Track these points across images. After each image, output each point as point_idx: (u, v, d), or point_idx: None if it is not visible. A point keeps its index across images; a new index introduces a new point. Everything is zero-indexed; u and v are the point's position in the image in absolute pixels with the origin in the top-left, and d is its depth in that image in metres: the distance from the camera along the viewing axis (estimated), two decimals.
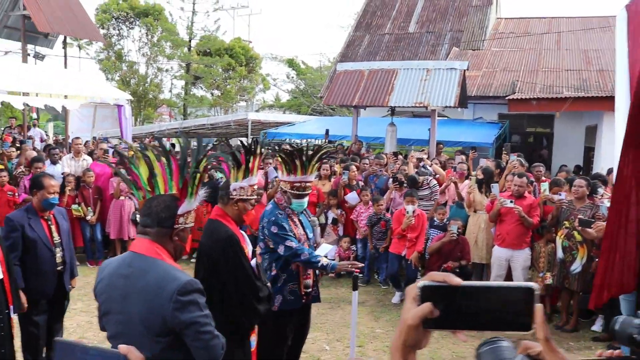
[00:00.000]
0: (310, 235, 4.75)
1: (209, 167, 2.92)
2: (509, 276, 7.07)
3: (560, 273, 6.60)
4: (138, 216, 8.82)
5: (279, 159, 4.54)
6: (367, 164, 9.46)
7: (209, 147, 3.92)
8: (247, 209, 3.81)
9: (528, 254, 6.94)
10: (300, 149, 4.51)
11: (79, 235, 9.05)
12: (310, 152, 4.46)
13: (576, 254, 6.43)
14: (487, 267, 7.52)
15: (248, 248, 3.94)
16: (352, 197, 8.79)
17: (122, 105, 13.90)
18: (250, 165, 3.75)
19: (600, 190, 6.77)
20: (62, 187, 8.91)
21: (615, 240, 4.81)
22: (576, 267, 6.40)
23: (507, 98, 13.58)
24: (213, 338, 2.43)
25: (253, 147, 3.82)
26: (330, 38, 77.20)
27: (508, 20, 22.47)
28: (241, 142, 4.11)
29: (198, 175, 2.62)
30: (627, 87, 4.72)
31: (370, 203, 8.43)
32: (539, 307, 0.97)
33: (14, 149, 10.84)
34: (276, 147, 4.65)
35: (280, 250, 4.33)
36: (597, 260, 6.24)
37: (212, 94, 30.42)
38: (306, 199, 4.59)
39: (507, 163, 8.58)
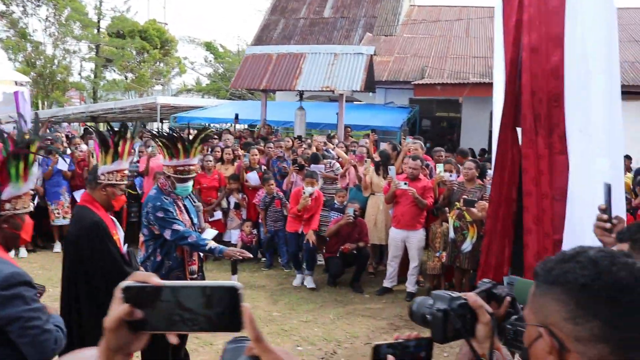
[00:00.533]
0: (195, 220, 4.66)
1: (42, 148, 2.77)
2: (405, 256, 7.24)
3: (452, 252, 6.81)
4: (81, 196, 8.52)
5: (160, 143, 4.40)
6: (271, 148, 9.39)
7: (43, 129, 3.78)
8: (116, 194, 3.67)
9: (422, 235, 7.12)
10: (180, 133, 4.41)
11: None
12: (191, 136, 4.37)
13: (467, 233, 6.65)
14: (386, 247, 7.66)
15: (119, 234, 3.81)
16: (252, 177, 8.73)
17: (17, 91, 13.18)
18: (119, 149, 3.61)
19: (490, 172, 7.02)
20: None
21: (494, 221, 5.02)
22: (467, 246, 6.62)
23: (412, 83, 13.86)
24: (42, 333, 2.30)
25: (123, 131, 3.69)
26: (248, 21, 76.26)
27: (420, 8, 22.90)
28: (110, 125, 3.94)
29: (29, 157, 2.45)
30: (502, 71, 4.89)
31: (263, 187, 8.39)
32: (245, 307, 0.96)
33: None
34: (156, 132, 4.50)
35: (167, 234, 4.21)
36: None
37: (126, 78, 29.40)
38: (190, 183, 4.49)
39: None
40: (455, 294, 1.50)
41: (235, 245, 8.74)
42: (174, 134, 4.35)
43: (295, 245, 7.70)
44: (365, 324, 6.24)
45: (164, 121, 19.52)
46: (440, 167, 7.28)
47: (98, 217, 3.56)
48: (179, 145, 4.29)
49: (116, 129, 3.77)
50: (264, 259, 8.66)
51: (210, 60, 34.14)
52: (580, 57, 3.89)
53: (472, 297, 1.48)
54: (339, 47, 13.13)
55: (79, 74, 28.38)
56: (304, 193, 7.30)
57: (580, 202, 3.78)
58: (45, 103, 24.76)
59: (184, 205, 4.53)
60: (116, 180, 3.62)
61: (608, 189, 2.63)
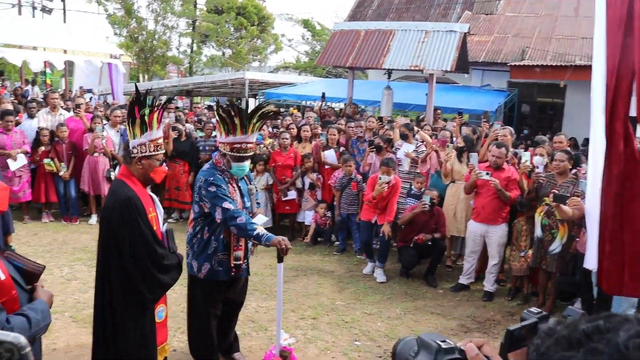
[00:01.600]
0: (248, 204, 4.38)
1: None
2: (485, 252, 6.66)
3: (537, 253, 6.12)
4: (112, 173, 8.69)
5: (217, 118, 4.14)
6: (351, 127, 8.99)
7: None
8: (153, 166, 3.44)
9: (504, 230, 6.48)
10: (240, 107, 4.10)
11: (52, 191, 8.83)
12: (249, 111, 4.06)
13: (556, 233, 5.95)
14: (464, 240, 7.10)
15: (158, 212, 3.60)
16: (330, 155, 8.39)
17: (111, 64, 13.63)
18: (147, 119, 3.37)
19: (584, 166, 6.24)
20: (37, 141, 8.68)
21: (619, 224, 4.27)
22: (555, 247, 5.93)
23: (509, 64, 12.92)
24: None
25: (147, 100, 3.44)
26: None
27: None
28: (136, 94, 3.67)
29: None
30: (604, 57, 4.21)
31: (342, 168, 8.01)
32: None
33: None
34: (216, 106, 4.23)
35: (217, 212, 3.96)
36: (577, 240, 5.79)
37: (223, 54, 29.90)
38: (247, 163, 4.21)
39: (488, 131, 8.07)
40: (449, 344, 1.08)
41: (308, 227, 8.52)
42: (233, 108, 4.06)
43: (368, 235, 7.28)
44: (434, 322, 5.77)
45: (256, 97, 19.64)
46: (525, 156, 6.55)
47: (133, 192, 3.36)
48: (237, 121, 4.01)
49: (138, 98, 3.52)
50: (337, 242, 8.34)
51: (308, 38, 34.08)
52: None
53: (472, 349, 1.04)
54: (430, 24, 12.39)
55: (177, 48, 29.21)
56: (380, 179, 6.85)
57: None
58: (145, 76, 25.66)
59: (239, 187, 4.27)
60: (150, 152, 3.39)
61: None
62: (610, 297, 4.98)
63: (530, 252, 6.30)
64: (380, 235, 7.00)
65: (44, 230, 8.41)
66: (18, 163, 8.26)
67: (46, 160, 8.61)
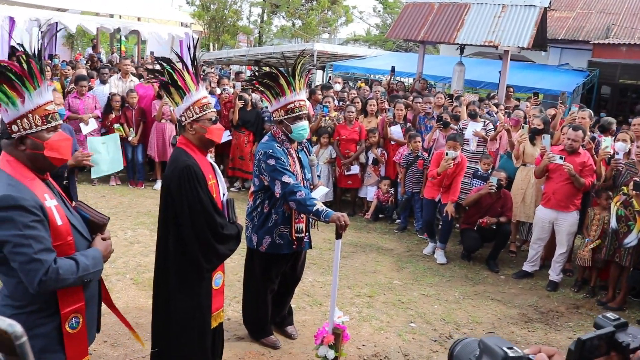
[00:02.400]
0: (308, 175, 4.30)
1: None
2: (552, 240, 6.35)
3: (611, 245, 5.76)
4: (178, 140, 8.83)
5: (261, 87, 4.07)
6: (419, 103, 8.72)
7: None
8: (205, 127, 3.34)
9: (576, 218, 6.14)
10: (278, 69, 4.04)
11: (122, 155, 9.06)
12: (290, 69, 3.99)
13: (633, 225, 5.55)
14: (531, 226, 6.79)
15: (218, 180, 3.55)
16: (396, 130, 8.19)
17: (182, 39, 13.83)
18: (180, 84, 3.29)
19: None
20: (108, 106, 8.90)
21: None
22: (631, 240, 5.54)
23: (592, 43, 12.20)
24: (30, 262, 2.16)
25: (170, 63, 3.37)
26: None
27: None
28: (157, 59, 3.59)
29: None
30: None
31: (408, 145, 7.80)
32: None
33: (69, 68, 10.93)
34: (255, 74, 4.18)
35: (277, 186, 3.91)
36: None
37: (293, 25, 29.79)
38: (305, 123, 4.12)
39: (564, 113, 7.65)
40: (516, 352, 0.94)
41: (370, 203, 8.40)
42: (272, 71, 3.98)
43: (431, 213, 7.08)
44: (493, 309, 5.56)
45: (324, 69, 19.47)
46: (606, 141, 6.15)
47: (193, 160, 3.31)
48: (282, 81, 3.93)
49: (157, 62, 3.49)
50: (398, 220, 8.18)
51: (379, 11, 33.46)
52: None
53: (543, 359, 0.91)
54: None
55: (247, 18, 29.26)
56: (446, 155, 6.61)
57: None
58: (216, 45, 25.90)
59: (299, 158, 4.19)
60: (196, 114, 3.31)
61: None
62: None
63: (597, 242, 5.97)
64: (444, 215, 6.79)
65: (111, 193, 8.65)
66: (90, 127, 8.50)
67: (116, 125, 8.82)
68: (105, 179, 9.10)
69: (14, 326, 0.79)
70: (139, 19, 16.70)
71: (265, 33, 28.63)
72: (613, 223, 5.69)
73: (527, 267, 6.49)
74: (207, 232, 3.31)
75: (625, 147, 6.14)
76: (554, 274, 6.21)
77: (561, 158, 5.89)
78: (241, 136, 9.15)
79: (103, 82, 9.53)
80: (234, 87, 9.99)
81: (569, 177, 5.93)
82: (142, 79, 9.79)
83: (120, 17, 16.74)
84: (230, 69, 17.56)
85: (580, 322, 5.43)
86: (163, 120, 8.86)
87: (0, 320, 0.78)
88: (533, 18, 10.71)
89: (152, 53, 16.24)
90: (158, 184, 9.05)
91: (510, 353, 0.94)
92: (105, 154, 7.03)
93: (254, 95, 8.90)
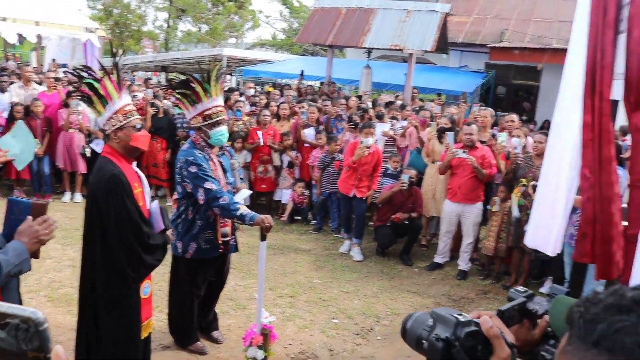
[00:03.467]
0: (231, 179, 4.36)
1: None
2: (459, 231, 6.74)
3: (515, 232, 6.21)
4: (87, 150, 8.57)
5: (177, 95, 4.10)
6: (327, 106, 8.96)
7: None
8: (130, 135, 3.32)
9: (480, 210, 6.57)
10: (193, 76, 4.10)
11: (25, 167, 8.65)
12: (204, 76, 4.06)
13: (530, 212, 6.04)
14: (440, 220, 7.16)
15: (144, 190, 3.54)
16: (309, 133, 8.37)
17: (86, 42, 13.35)
18: (102, 92, 3.28)
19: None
20: (10, 116, 8.47)
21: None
22: None
23: (488, 46, 12.97)
24: None
25: (90, 71, 3.36)
26: None
27: None
28: (77, 69, 3.55)
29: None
30: (585, 36, 4.21)
31: (325, 146, 8.00)
32: None
33: None
34: (170, 85, 4.23)
35: (200, 193, 3.95)
36: None
37: (199, 30, 29.42)
38: (224, 128, 4.17)
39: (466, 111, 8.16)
40: (465, 317, 1.08)
41: (285, 206, 8.52)
42: (189, 78, 4.04)
43: (347, 208, 7.29)
44: (410, 300, 5.84)
45: (232, 74, 19.39)
46: (502, 136, 6.62)
47: (118, 169, 3.28)
48: (198, 88, 3.98)
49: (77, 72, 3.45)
50: (314, 221, 8.36)
51: (286, 15, 33.72)
52: None
53: (487, 322, 1.06)
54: (411, 3, 12.35)
55: (153, 23, 28.65)
56: (361, 143, 6.82)
57: None
58: (120, 51, 25.09)
59: (220, 162, 4.24)
60: (120, 122, 3.29)
61: None
62: (582, 276, 5.08)
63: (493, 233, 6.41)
64: (362, 203, 7.02)
65: None
66: None
67: None
68: (8, 193, 8.66)
69: (36, 313, 0.85)
70: (37, 24, 15.90)
71: (171, 38, 28.06)
72: (515, 212, 6.14)
73: (438, 258, 6.85)
74: (133, 241, 3.30)
75: (520, 142, 6.62)
76: (463, 263, 6.61)
77: (464, 152, 6.28)
78: (154, 143, 8.98)
79: (2, 90, 9.07)
80: (144, 94, 9.82)
81: (472, 172, 6.33)
82: (46, 86, 9.40)
83: (14, 20, 15.87)
84: (135, 76, 17.10)
85: (489, 305, 5.81)
86: (71, 130, 8.55)
87: (22, 310, 0.84)
88: (435, 23, 11.27)
89: (53, 60, 15.54)
90: (67, 196, 8.74)
91: (461, 318, 1.07)
92: (20, 144, 6.79)
93: (165, 101, 8.80)
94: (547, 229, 4.36)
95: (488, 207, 6.72)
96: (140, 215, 3.33)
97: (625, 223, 3.73)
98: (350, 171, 6.98)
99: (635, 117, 3.62)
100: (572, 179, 4.17)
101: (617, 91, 3.79)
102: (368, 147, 6.78)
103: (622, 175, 5.12)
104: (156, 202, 3.58)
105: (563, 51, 11.31)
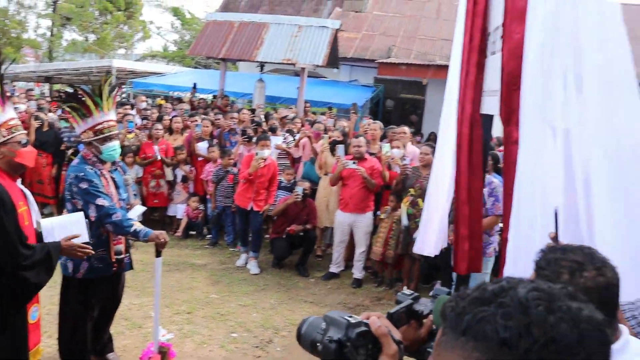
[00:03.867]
0: (124, 195, 4.26)
1: None
2: (352, 241, 6.95)
3: (404, 240, 6.52)
4: None
5: (67, 108, 3.98)
6: (219, 119, 8.96)
7: None
8: (15, 151, 3.17)
9: (370, 219, 6.84)
10: (83, 89, 4.00)
11: None
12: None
13: (420, 221, 6.36)
14: (333, 230, 7.36)
15: (31, 208, 3.40)
16: (203, 147, 8.33)
17: None
18: None
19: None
20: None
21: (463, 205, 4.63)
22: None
23: (377, 62, 13.51)
24: None
25: None
26: None
27: None
28: None
29: None
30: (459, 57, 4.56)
31: (219, 160, 8.00)
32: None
33: None
34: (60, 98, 4.10)
35: (91, 210, 3.83)
36: None
37: (86, 39, 28.23)
38: (116, 143, 4.08)
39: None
40: (355, 319, 1.18)
41: (180, 221, 8.40)
42: (78, 91, 3.94)
43: (243, 222, 7.31)
44: (307, 310, 5.96)
45: (121, 86, 18.76)
46: (385, 147, 6.94)
47: (1, 186, 3.13)
48: (89, 102, 3.89)
49: None
50: (209, 235, 8.30)
51: (177, 27, 33.16)
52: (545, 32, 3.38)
53: (376, 322, 1.16)
54: (303, 19, 12.64)
55: (35, 31, 27.12)
56: (257, 154, 6.87)
57: (527, 204, 3.35)
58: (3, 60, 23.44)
59: (112, 178, 4.14)
60: (4, 137, 3.15)
61: (555, 215, 2.37)
62: (468, 277, 5.44)
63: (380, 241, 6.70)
64: (254, 221, 7.07)
65: None
66: None
67: None
68: None
69: None
70: None
71: (56, 48, 26.68)
72: (404, 221, 6.45)
73: (333, 268, 7.04)
74: (10, 263, 3.15)
75: (400, 152, 6.94)
76: (357, 272, 6.84)
77: (354, 163, 6.53)
78: (39, 159, 8.53)
79: None
80: (27, 106, 9.32)
81: (362, 182, 6.58)
82: None
83: None
84: (15, 86, 16.15)
85: (383, 311, 5.94)
86: None
87: None
88: (326, 38, 11.59)
89: None
90: None
91: (352, 320, 1.17)
92: None
93: (50, 114, 8.41)
94: (431, 233, 4.65)
95: (378, 213, 7.00)
96: (19, 236, 3.18)
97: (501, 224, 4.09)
98: (246, 184, 7.03)
99: (507, 130, 3.97)
100: (451, 185, 4.50)
101: (492, 106, 4.15)
102: (264, 159, 6.87)
103: (499, 184, 5.57)
104: (37, 219, 3.45)
105: (445, 67, 12.01)
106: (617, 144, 2.62)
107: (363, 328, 1.16)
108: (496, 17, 3.94)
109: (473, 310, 0.79)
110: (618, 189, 2.63)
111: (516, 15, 3.69)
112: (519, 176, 3.00)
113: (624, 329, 1.51)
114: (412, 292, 1.45)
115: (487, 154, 4.90)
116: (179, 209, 8.45)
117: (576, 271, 1.47)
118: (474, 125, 4.34)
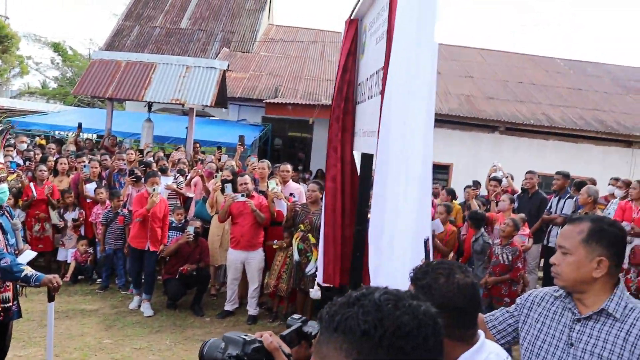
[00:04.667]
0: (12, 240, 4.20)
1: None
2: (245, 278, 7.10)
3: (297, 275, 6.76)
4: None
5: None
6: (107, 160, 8.87)
7: None
8: None
9: (262, 255, 7.03)
10: None
11: None
12: None
13: (310, 255, 6.64)
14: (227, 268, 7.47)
15: None
16: (91, 188, 8.18)
17: None
18: None
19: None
20: None
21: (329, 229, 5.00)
22: (310, 268, 6.60)
23: (264, 101, 13.91)
24: None
25: None
26: (101, 24, 72.41)
27: (278, 27, 23.26)
28: None
29: None
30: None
31: (107, 202, 7.90)
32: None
33: None
34: None
35: None
36: None
37: None
38: (5, 186, 4.03)
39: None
40: (250, 337, 1.41)
41: (68, 265, 8.14)
42: None
43: (137, 263, 7.22)
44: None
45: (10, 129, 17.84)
46: (272, 184, 7.23)
47: None
48: None
49: None
50: (99, 280, 8.09)
51: (58, 63, 31.96)
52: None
53: (268, 339, 1.40)
54: (191, 59, 12.78)
55: None
56: (153, 191, 6.88)
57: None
58: None
59: (0, 224, 4.08)
60: None
61: (425, 244, 2.70)
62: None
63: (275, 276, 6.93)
64: (147, 262, 7.05)
65: None
66: None
67: None
68: None
69: None
70: None
71: None
72: (296, 256, 6.71)
73: (227, 306, 7.14)
74: None
75: (278, 189, 7.24)
76: (252, 308, 6.99)
77: (243, 196, 6.75)
78: None
79: None
80: None
81: (252, 219, 6.79)
82: None
83: None
84: None
85: None
86: None
87: None
88: (214, 79, 11.80)
89: None
90: None
91: (247, 338, 1.39)
92: None
93: None
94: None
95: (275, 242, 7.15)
96: None
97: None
98: (140, 224, 7.00)
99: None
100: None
101: (369, 146, 4.59)
102: (159, 194, 6.96)
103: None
104: None
105: (330, 107, 12.65)
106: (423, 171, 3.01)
107: (257, 344, 1.39)
108: (372, 65, 4.39)
109: (341, 311, 1.05)
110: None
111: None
112: (383, 212, 3.31)
113: (481, 333, 1.86)
114: (300, 316, 1.70)
115: (368, 188, 5.33)
116: (69, 254, 8.18)
117: (450, 274, 1.81)
118: (345, 163, 4.80)
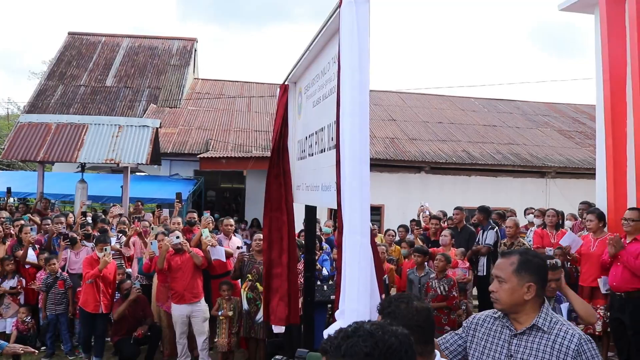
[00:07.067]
0: None
1: None
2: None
3: (246, 323, 6.97)
4: None
5: None
6: (48, 225, 8.86)
7: None
8: None
9: (206, 305, 7.23)
10: None
11: None
12: None
13: (260, 304, 6.87)
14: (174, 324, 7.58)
15: None
16: (31, 255, 8.14)
17: None
18: None
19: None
20: None
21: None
22: (260, 316, 6.83)
23: (198, 157, 14.18)
24: None
25: None
26: (21, 84, 70.48)
27: (204, 81, 23.69)
28: None
29: None
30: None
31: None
32: None
33: None
34: None
35: None
36: None
37: None
38: None
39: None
40: None
41: (10, 336, 7.97)
42: None
43: (88, 327, 7.24)
44: None
45: None
46: (205, 232, 7.52)
47: None
48: None
49: None
50: (43, 347, 7.95)
51: None
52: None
53: None
54: (123, 119, 12.95)
55: None
56: (104, 251, 7.06)
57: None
58: None
59: None
60: None
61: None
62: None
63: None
64: (98, 329, 7.09)
65: None
66: None
67: None
68: None
69: None
70: None
71: None
72: (245, 305, 6.95)
73: None
74: None
75: (243, 248, 7.55)
76: (206, 358, 7.12)
77: (177, 237, 7.03)
78: None
79: None
80: None
81: (191, 270, 7.04)
82: None
83: None
84: None
85: None
86: None
87: None
88: (148, 137, 12.01)
89: None
90: None
91: None
92: None
93: None
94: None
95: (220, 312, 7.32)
96: None
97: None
98: (90, 287, 7.07)
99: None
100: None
101: (314, 199, 5.03)
102: (110, 253, 7.13)
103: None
104: None
105: (263, 159, 13.09)
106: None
107: None
108: (313, 125, 4.85)
109: (344, 342, 1.48)
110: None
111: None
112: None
113: (437, 352, 2.32)
114: (282, 356, 2.05)
115: (315, 235, 5.80)
116: (8, 324, 7.99)
117: (409, 302, 2.29)
118: (289, 213, 5.24)
